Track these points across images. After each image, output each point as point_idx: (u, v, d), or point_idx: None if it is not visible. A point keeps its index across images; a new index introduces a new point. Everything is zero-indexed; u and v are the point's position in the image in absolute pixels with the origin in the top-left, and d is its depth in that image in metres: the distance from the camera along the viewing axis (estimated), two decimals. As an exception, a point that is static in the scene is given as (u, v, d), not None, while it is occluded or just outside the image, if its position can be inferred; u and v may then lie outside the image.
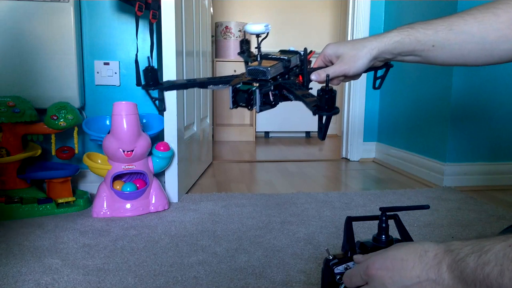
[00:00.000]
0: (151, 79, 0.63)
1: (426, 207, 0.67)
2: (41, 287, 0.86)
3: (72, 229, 1.20)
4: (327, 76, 0.56)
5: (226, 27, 3.24)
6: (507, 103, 1.74)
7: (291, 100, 0.64)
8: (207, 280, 0.89)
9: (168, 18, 1.39)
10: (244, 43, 0.71)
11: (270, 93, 0.62)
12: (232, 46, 3.27)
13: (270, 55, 0.69)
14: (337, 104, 0.57)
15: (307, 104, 0.56)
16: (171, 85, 0.66)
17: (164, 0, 1.38)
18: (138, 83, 1.48)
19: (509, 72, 1.72)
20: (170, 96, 1.42)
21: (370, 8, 2.32)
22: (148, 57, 0.66)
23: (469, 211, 1.40)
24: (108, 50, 1.57)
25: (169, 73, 1.41)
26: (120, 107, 1.25)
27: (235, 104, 0.63)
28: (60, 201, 1.36)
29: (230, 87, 0.63)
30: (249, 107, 0.62)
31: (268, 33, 0.68)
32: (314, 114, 0.54)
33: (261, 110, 0.62)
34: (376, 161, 2.40)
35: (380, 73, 0.77)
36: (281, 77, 0.65)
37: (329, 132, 3.79)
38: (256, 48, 0.69)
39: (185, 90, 1.58)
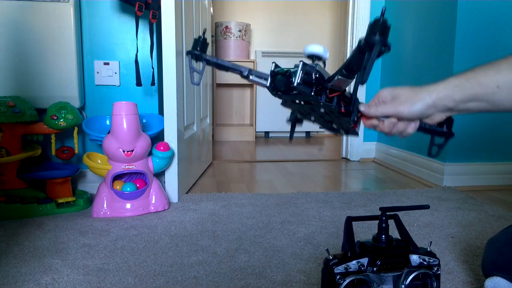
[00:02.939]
0: (200, 48, 0.64)
1: (426, 207, 0.67)
2: (41, 287, 0.86)
3: (72, 229, 1.20)
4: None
5: (226, 27, 3.24)
6: (507, 103, 1.74)
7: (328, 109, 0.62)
8: (207, 280, 0.89)
9: (168, 18, 1.39)
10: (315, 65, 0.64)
11: (313, 74, 0.59)
12: (232, 46, 3.27)
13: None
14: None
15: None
16: (214, 60, 0.66)
17: (164, 0, 1.38)
18: (138, 83, 1.48)
19: (509, 72, 1.72)
20: (170, 97, 1.42)
21: (370, 8, 2.32)
22: (205, 29, 0.70)
23: (469, 211, 1.40)
24: (108, 50, 1.57)
25: (169, 73, 1.41)
26: (120, 107, 1.25)
27: (274, 90, 0.61)
28: (60, 201, 1.36)
29: (269, 73, 0.61)
30: (289, 91, 0.59)
31: (325, 60, 0.63)
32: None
33: (298, 87, 0.58)
34: (376, 161, 2.40)
35: (437, 140, 0.71)
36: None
37: (329, 132, 3.80)
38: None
39: (185, 90, 1.58)
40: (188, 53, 0.67)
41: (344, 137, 2.49)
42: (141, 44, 1.55)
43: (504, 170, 1.78)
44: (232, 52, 3.28)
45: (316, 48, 0.60)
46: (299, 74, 0.59)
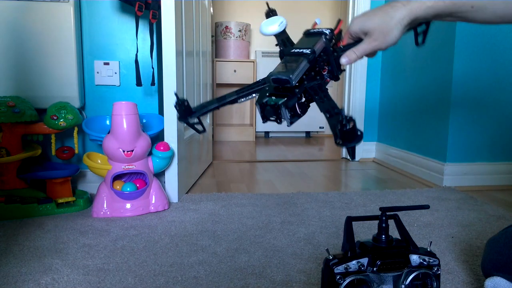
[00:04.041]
0: (185, 110, 0.66)
1: (426, 207, 0.67)
2: (41, 287, 0.86)
3: (72, 229, 1.20)
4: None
5: (226, 27, 3.24)
6: (507, 103, 1.74)
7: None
8: (207, 280, 0.89)
9: (168, 18, 1.39)
10: (279, 36, 0.66)
11: (296, 104, 0.61)
12: (232, 46, 3.27)
13: (294, 46, 0.66)
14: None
15: (331, 129, 0.55)
16: (204, 110, 0.68)
17: (164, 0, 1.38)
18: (138, 83, 1.48)
19: (510, 73, 1.72)
20: (170, 96, 1.42)
21: (370, 8, 2.32)
22: (175, 93, 0.71)
23: (469, 211, 1.40)
24: (108, 50, 1.57)
25: (169, 73, 1.41)
26: (120, 107, 1.25)
27: (265, 118, 0.63)
28: (60, 201, 1.36)
29: (257, 105, 0.62)
30: (279, 121, 0.61)
31: (285, 29, 0.64)
32: (338, 145, 0.53)
33: (291, 123, 0.61)
34: (376, 161, 2.40)
35: (420, 29, 0.69)
36: (308, 72, 0.63)
37: (329, 132, 3.80)
38: (276, 45, 0.67)
39: (184, 90, 1.58)
40: (181, 121, 0.68)
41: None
42: (141, 44, 1.55)
43: (504, 170, 1.78)
44: (232, 52, 3.28)
45: (271, 29, 0.61)
46: (287, 116, 0.60)
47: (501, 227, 1.03)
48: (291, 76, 0.58)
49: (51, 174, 1.38)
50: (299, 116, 0.62)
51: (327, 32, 0.64)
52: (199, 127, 0.68)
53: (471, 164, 1.76)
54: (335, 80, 0.66)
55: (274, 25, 0.62)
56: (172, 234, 1.16)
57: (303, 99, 0.62)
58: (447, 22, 0.63)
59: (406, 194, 1.62)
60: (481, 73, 1.70)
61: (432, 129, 1.85)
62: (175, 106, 0.66)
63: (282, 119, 0.61)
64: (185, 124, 0.67)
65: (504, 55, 1.70)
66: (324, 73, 0.64)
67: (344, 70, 0.65)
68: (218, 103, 0.67)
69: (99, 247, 1.06)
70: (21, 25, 1.41)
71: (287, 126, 0.62)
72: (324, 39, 0.64)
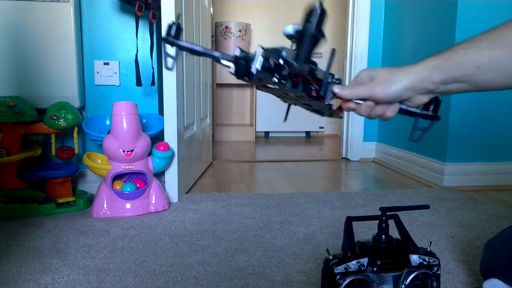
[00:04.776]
0: (174, 34, 0.63)
1: (426, 207, 0.67)
2: (41, 287, 0.86)
3: (72, 229, 1.20)
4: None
5: (226, 27, 3.24)
6: (507, 103, 1.74)
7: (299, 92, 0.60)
8: (207, 280, 0.89)
9: (168, 18, 1.39)
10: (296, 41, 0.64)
11: (273, 59, 0.57)
12: (232, 46, 3.27)
13: None
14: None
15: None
16: (189, 44, 0.66)
17: (164, 0, 1.38)
18: (138, 83, 1.48)
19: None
20: (170, 96, 1.42)
21: (370, 8, 2.32)
22: (178, 15, 0.67)
23: (469, 211, 1.40)
24: (108, 50, 1.57)
25: (169, 73, 1.41)
26: (120, 107, 1.25)
27: (238, 73, 0.61)
28: (60, 201, 1.36)
29: (233, 62, 0.60)
30: (248, 76, 0.59)
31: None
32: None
33: (257, 73, 0.57)
34: (376, 161, 2.40)
35: (421, 124, 0.67)
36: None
37: (329, 132, 3.80)
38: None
39: (184, 90, 1.58)
40: (162, 39, 0.66)
41: (344, 137, 2.49)
42: (141, 44, 1.55)
43: (504, 170, 1.78)
44: (232, 52, 3.27)
45: (291, 29, 0.59)
46: (256, 61, 0.58)
47: (501, 227, 1.03)
48: (284, 48, 0.57)
49: (51, 174, 1.38)
50: (272, 74, 0.58)
51: (336, 77, 0.63)
52: (170, 63, 0.67)
53: (471, 164, 1.76)
54: (318, 99, 0.62)
55: (297, 27, 0.62)
56: (172, 234, 1.16)
57: (282, 64, 0.59)
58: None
59: (406, 194, 1.62)
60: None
61: (432, 129, 1.84)
62: (169, 24, 0.64)
63: (251, 70, 0.58)
64: (162, 41, 0.64)
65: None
66: (312, 87, 0.61)
67: (331, 105, 0.63)
68: (203, 49, 0.66)
69: (99, 247, 1.06)
70: (21, 25, 1.41)
71: (252, 74, 0.58)
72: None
